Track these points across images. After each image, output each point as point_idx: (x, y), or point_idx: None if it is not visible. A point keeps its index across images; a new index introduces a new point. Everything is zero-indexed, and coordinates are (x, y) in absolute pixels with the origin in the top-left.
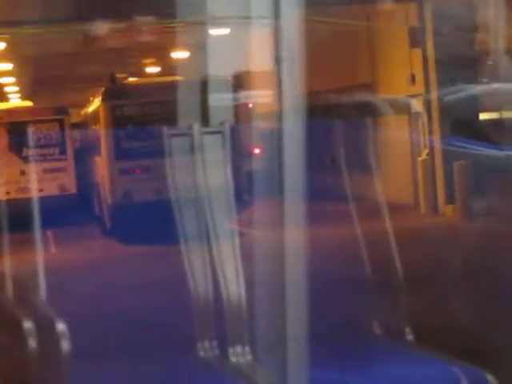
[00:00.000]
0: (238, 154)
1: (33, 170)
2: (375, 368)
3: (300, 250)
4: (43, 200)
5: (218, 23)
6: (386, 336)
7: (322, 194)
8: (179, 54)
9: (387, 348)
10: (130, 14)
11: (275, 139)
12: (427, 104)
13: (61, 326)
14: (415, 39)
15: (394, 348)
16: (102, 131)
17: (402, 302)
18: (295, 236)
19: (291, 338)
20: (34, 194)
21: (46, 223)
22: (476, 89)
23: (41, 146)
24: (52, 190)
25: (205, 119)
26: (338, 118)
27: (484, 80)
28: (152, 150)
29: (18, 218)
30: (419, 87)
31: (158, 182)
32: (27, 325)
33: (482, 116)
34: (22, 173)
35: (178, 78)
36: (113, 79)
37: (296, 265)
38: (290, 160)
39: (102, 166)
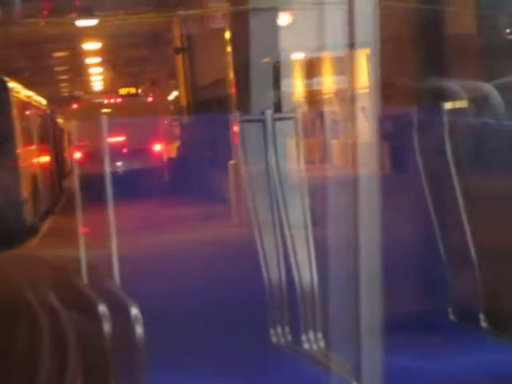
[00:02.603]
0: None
1: None
2: (450, 355)
3: (375, 238)
4: None
5: (291, 8)
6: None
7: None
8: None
9: (462, 334)
10: None
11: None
12: None
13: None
14: None
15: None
16: None
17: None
18: (370, 223)
19: (365, 324)
20: None
21: None
22: None
23: None
24: None
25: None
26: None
27: None
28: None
29: None
30: None
31: None
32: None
33: None
34: None
35: None
36: None
37: (370, 253)
38: (362, 149)
39: None
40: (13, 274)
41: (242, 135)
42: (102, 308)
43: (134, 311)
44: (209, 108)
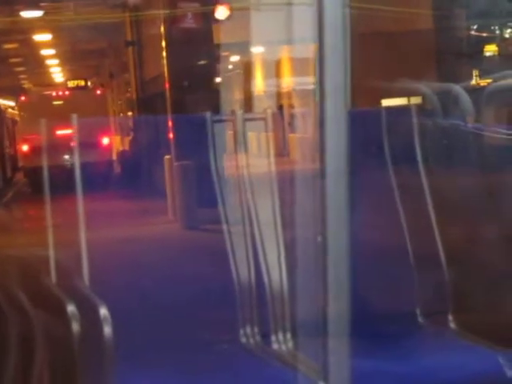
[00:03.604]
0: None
1: None
2: (417, 356)
3: (343, 236)
4: None
5: (261, 9)
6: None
7: None
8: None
9: (430, 336)
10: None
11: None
12: None
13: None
14: None
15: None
16: None
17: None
18: (337, 219)
19: (332, 325)
20: None
21: None
22: None
23: None
24: None
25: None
26: None
27: None
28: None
29: None
30: None
31: None
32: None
33: None
34: None
35: None
36: None
37: (338, 252)
38: (330, 147)
39: None
40: None
41: (212, 135)
42: (71, 307)
43: (103, 311)
44: (152, 103)
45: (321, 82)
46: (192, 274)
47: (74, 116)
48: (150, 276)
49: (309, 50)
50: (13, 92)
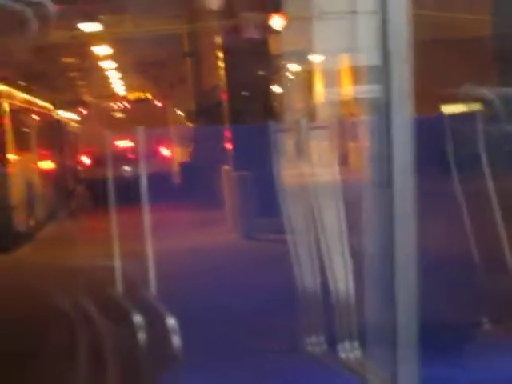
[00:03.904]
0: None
1: None
2: (485, 363)
3: (411, 245)
4: None
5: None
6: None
7: None
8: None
9: (497, 342)
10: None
11: (383, 134)
12: None
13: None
14: None
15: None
16: None
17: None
18: (405, 227)
19: (401, 334)
20: None
21: None
22: None
23: None
24: None
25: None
26: None
27: None
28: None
29: None
30: None
31: None
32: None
33: None
34: None
35: None
36: None
37: (406, 260)
38: (398, 158)
39: None
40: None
41: (275, 144)
42: (137, 317)
43: (171, 321)
44: (209, 113)
45: (386, 90)
46: (255, 283)
47: (140, 128)
48: (214, 285)
49: (371, 58)
50: (74, 105)
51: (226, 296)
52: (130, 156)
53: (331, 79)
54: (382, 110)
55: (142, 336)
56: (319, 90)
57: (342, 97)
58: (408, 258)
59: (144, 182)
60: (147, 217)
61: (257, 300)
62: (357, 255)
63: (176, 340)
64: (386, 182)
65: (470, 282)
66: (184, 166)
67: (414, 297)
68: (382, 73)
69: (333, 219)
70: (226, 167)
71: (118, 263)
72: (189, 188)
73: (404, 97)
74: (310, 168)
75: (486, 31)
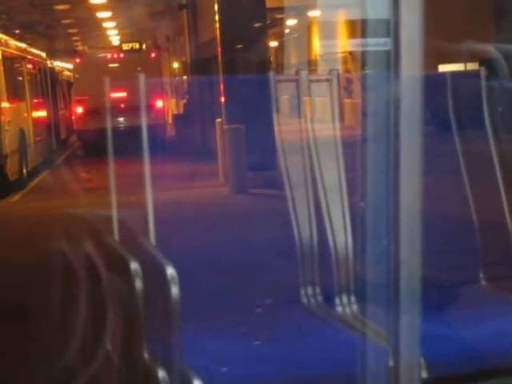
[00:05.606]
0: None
1: None
2: (481, 321)
3: (416, 197)
4: None
5: None
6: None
7: None
8: None
9: (493, 300)
10: None
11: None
12: None
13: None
14: None
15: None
16: None
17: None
18: (410, 184)
19: (404, 290)
20: None
21: None
22: None
23: None
24: None
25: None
26: None
27: None
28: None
29: None
30: None
31: None
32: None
33: None
34: None
35: None
36: None
37: (411, 212)
38: (406, 111)
39: None
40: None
41: (275, 95)
42: (134, 265)
43: (170, 271)
44: (206, 66)
45: (396, 40)
46: (250, 237)
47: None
48: (207, 239)
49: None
50: (68, 54)
51: (218, 250)
52: (122, 106)
53: (330, 33)
54: (390, 63)
55: (138, 284)
56: (320, 45)
57: (342, 52)
58: (413, 213)
59: (135, 134)
60: (137, 169)
61: (250, 253)
62: (356, 210)
63: (175, 290)
64: (392, 135)
65: (467, 240)
66: (177, 118)
67: (417, 253)
68: (392, 22)
69: (332, 173)
70: (219, 120)
71: (112, 212)
72: (181, 141)
73: (415, 47)
74: (310, 122)
75: None
